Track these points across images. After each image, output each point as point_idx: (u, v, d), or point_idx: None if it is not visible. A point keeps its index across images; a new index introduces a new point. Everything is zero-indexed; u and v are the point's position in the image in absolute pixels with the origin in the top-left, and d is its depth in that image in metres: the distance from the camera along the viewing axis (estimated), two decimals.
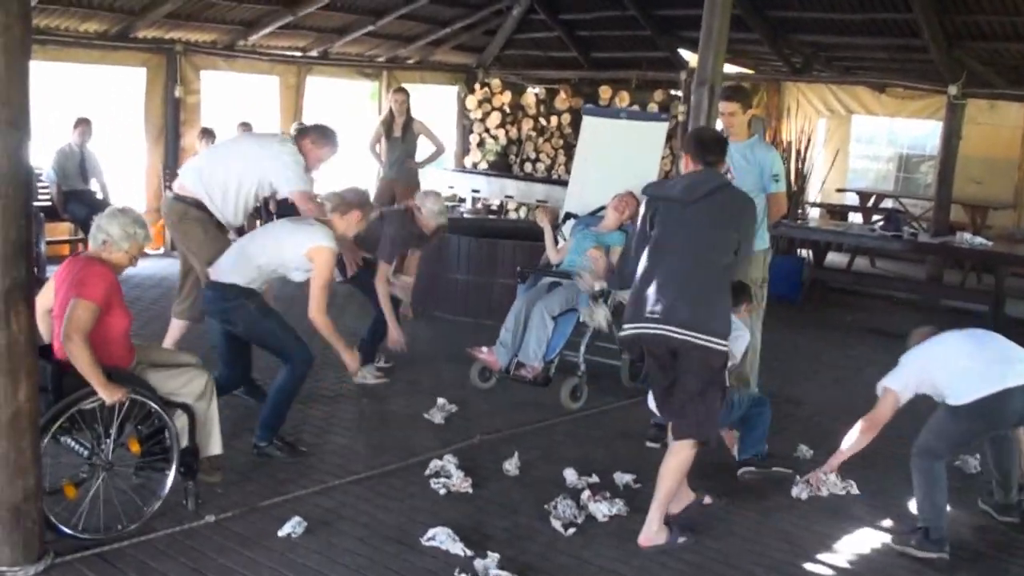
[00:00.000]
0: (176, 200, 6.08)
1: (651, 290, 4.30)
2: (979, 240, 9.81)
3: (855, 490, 5.28)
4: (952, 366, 4.72)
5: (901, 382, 4.88)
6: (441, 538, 4.34)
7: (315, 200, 5.84)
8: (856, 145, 14.88)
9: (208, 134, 10.83)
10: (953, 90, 10.59)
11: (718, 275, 4.39)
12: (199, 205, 5.99)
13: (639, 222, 4.58)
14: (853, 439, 5.01)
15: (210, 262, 5.59)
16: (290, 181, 5.87)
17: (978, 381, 4.56)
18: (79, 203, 9.72)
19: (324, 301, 5.26)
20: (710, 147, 4.61)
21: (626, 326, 4.41)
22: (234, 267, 5.31)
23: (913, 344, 5.02)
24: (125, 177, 11.23)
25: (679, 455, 4.43)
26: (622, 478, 5.22)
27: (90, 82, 11.71)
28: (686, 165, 4.63)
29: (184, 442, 4.48)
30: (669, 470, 4.45)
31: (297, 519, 4.43)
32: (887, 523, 4.98)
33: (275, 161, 5.89)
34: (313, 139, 6.05)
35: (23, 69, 3.53)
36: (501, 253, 8.66)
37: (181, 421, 4.49)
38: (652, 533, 4.46)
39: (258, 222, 10.67)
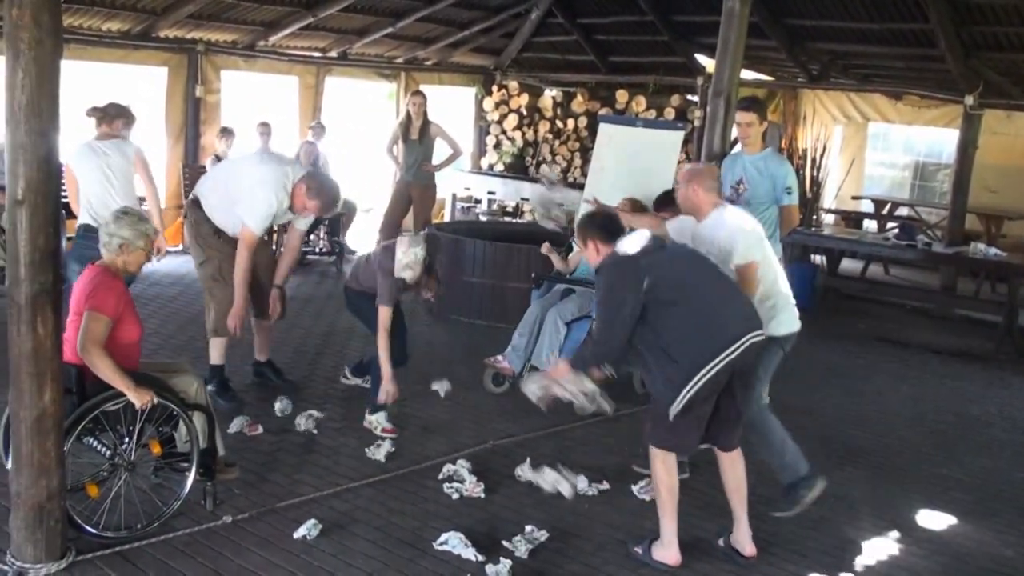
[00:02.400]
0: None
1: (714, 319, 4.30)
2: (994, 251, 9.81)
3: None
4: None
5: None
6: (454, 543, 4.42)
7: (248, 249, 5.96)
8: (872, 152, 14.88)
9: (227, 133, 10.94)
10: (970, 100, 10.61)
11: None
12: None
13: (624, 294, 4.28)
14: None
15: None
16: (246, 216, 5.94)
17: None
18: None
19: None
20: (612, 226, 4.64)
21: (706, 369, 4.18)
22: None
23: None
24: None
25: (742, 458, 4.60)
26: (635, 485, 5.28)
27: (112, 81, 11.79)
28: (596, 251, 4.55)
29: (203, 443, 4.59)
30: (743, 475, 4.60)
31: (312, 521, 4.52)
32: (894, 534, 5.02)
33: (250, 197, 5.95)
34: (308, 188, 5.97)
35: (54, 81, 3.62)
36: (516, 257, 8.72)
37: (199, 421, 4.59)
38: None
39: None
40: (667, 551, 4.44)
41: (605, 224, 4.63)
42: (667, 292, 4.26)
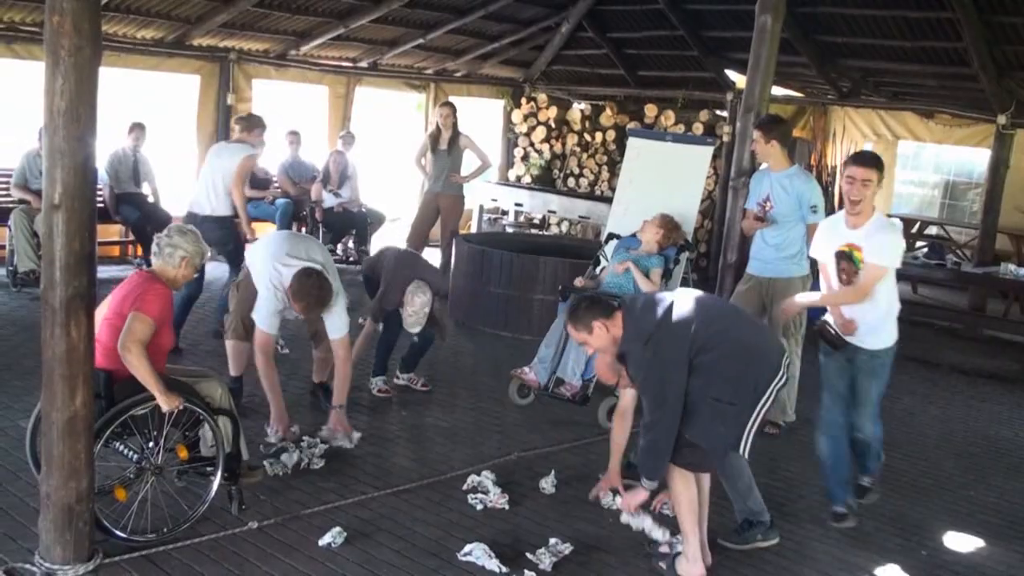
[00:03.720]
0: None
1: (755, 350, 4.33)
2: None
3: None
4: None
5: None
6: (477, 554, 4.42)
7: (263, 352, 5.69)
8: (902, 171, 14.80)
9: None
10: (1002, 120, 10.53)
11: None
12: None
13: (671, 364, 4.19)
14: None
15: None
16: (255, 315, 5.77)
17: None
18: (130, 206, 9.94)
19: None
20: (602, 301, 4.54)
21: (764, 399, 4.24)
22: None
23: None
24: (176, 182, 11.43)
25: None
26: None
27: (146, 87, 11.94)
28: (606, 330, 4.40)
29: (228, 448, 4.61)
30: (707, 490, 4.65)
31: (337, 529, 4.53)
32: (922, 555, 4.97)
33: (258, 292, 5.81)
34: (289, 286, 5.54)
35: (92, 87, 3.66)
36: (542, 269, 8.73)
37: (225, 427, 4.61)
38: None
39: (303, 229, 10.89)
40: (692, 566, 4.41)
41: (595, 301, 4.51)
42: (705, 340, 4.22)
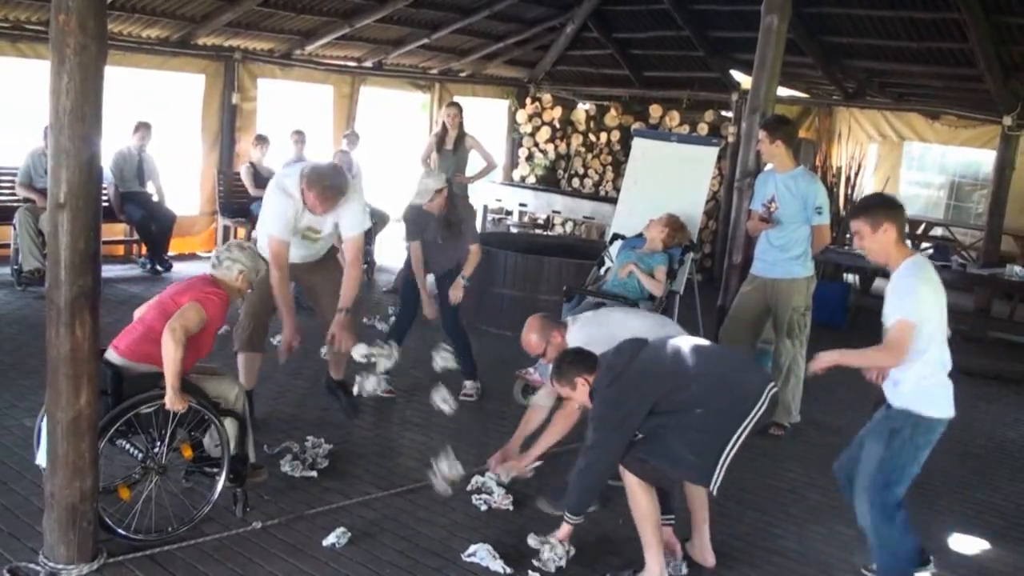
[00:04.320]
0: None
1: (735, 381, 4.30)
2: None
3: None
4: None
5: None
6: (482, 554, 4.42)
7: (277, 264, 5.45)
8: (907, 171, 14.77)
9: (263, 141, 11.02)
10: (1008, 121, 10.51)
11: None
12: None
13: (631, 404, 4.19)
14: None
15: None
16: (262, 227, 5.67)
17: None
18: (135, 205, 9.96)
19: None
20: (584, 353, 4.48)
21: (739, 431, 4.16)
22: None
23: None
24: (181, 181, 11.45)
25: None
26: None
27: (150, 87, 11.93)
28: (586, 384, 4.37)
29: (233, 449, 4.61)
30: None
31: (341, 529, 4.53)
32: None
33: (262, 211, 5.71)
34: (305, 179, 5.36)
35: (98, 86, 3.66)
36: (547, 269, 8.71)
37: (232, 428, 4.61)
38: None
39: None
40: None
41: (579, 356, 4.47)
42: (675, 381, 4.22)
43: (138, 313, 4.62)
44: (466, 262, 6.66)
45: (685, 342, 4.47)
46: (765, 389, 4.29)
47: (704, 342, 4.58)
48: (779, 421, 6.60)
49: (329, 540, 4.46)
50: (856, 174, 12.44)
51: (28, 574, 3.94)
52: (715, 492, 4.20)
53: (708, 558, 4.57)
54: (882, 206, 4.30)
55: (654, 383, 4.22)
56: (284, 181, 5.51)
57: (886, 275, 12.58)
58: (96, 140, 3.72)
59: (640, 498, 4.22)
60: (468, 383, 6.93)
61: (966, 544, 5.18)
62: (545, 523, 4.89)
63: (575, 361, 4.44)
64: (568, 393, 4.47)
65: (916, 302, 4.16)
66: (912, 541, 4.31)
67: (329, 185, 5.27)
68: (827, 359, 4.24)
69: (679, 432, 4.17)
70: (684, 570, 4.48)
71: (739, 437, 4.16)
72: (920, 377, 4.21)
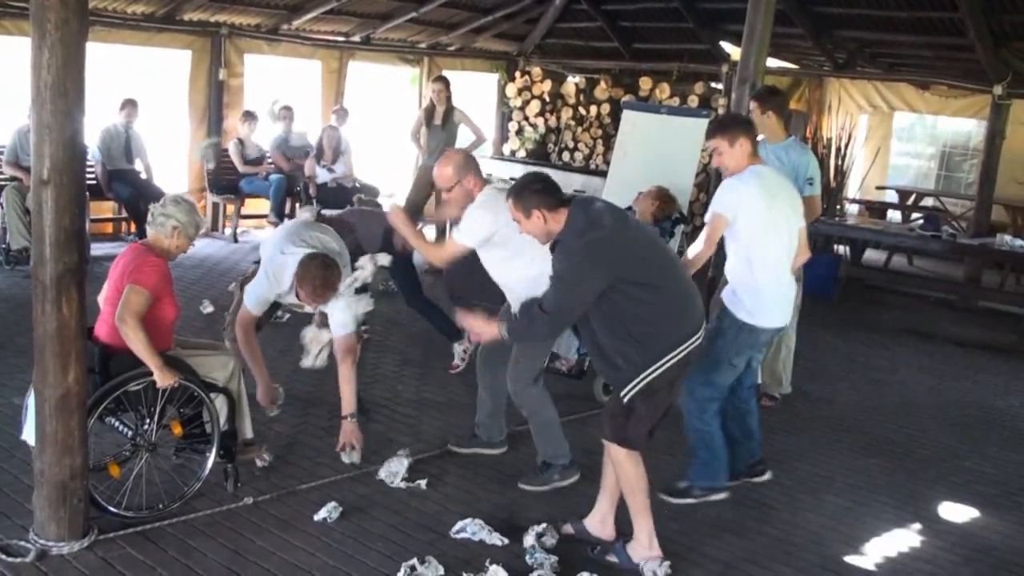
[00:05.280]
0: None
1: (685, 304, 4.12)
2: (1020, 242, 9.72)
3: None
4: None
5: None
6: (474, 528, 4.42)
7: (242, 329, 5.35)
8: (897, 142, 14.76)
9: (250, 117, 10.97)
10: (998, 90, 10.49)
11: None
12: None
13: (592, 271, 3.97)
14: None
15: None
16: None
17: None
18: (123, 182, 9.91)
19: None
20: (554, 188, 4.14)
21: (674, 353, 4.02)
22: None
23: None
24: (168, 158, 11.38)
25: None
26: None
27: (136, 63, 11.84)
28: (543, 220, 4.08)
29: (224, 425, 4.60)
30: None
31: (333, 504, 4.53)
32: (916, 525, 4.99)
33: None
34: (295, 273, 5.06)
35: (80, 61, 3.62)
36: None
37: (221, 404, 4.60)
38: None
39: (297, 205, 10.85)
40: (650, 550, 4.23)
41: (547, 188, 4.10)
42: (639, 273, 4.02)
43: (101, 297, 4.51)
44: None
45: (661, 244, 4.42)
46: (702, 327, 4.17)
47: (674, 256, 4.46)
48: (770, 392, 6.61)
49: (320, 515, 4.47)
50: (846, 145, 12.42)
51: (19, 552, 3.94)
52: (625, 400, 4.05)
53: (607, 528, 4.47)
54: (736, 123, 4.90)
55: (624, 263, 3.98)
56: (287, 259, 5.16)
57: (877, 246, 12.60)
58: (79, 116, 3.69)
59: (628, 468, 4.18)
60: (455, 347, 6.93)
61: (956, 512, 5.21)
62: (535, 499, 4.92)
63: (543, 191, 4.07)
64: (519, 218, 4.13)
65: (737, 201, 4.66)
66: (725, 450, 4.90)
67: (320, 285, 4.97)
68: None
69: (612, 334, 4.03)
70: (668, 570, 4.25)
71: (666, 363, 4.00)
72: (740, 284, 4.77)
